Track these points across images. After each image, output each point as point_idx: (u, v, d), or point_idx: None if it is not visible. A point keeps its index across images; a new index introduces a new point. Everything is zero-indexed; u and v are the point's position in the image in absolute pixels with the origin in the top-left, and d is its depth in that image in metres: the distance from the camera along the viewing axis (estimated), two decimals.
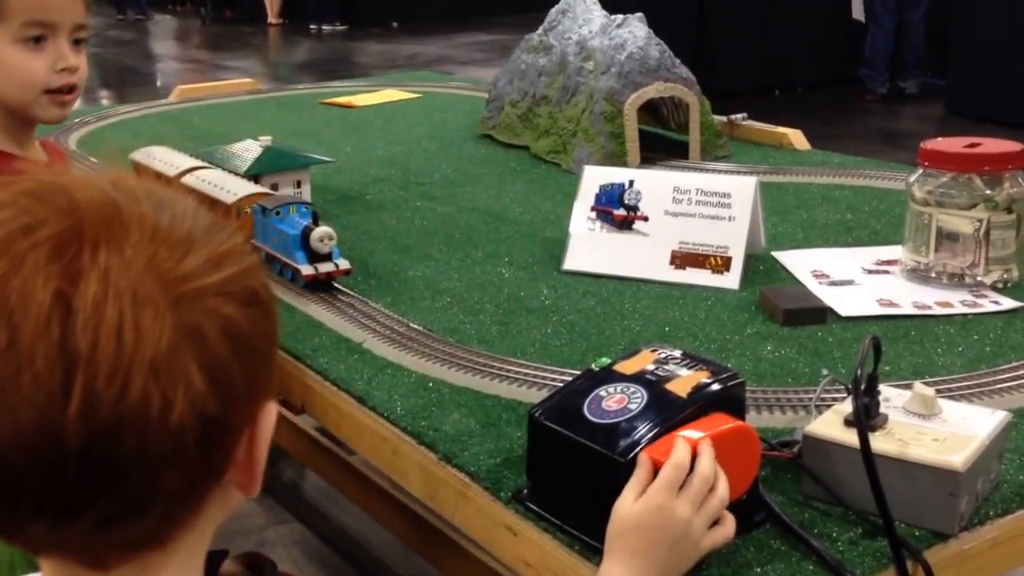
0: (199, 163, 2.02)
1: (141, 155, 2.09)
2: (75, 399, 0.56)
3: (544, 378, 1.36)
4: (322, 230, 1.65)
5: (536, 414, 1.08)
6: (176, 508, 0.63)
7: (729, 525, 0.97)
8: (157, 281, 0.59)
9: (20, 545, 0.63)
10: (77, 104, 1.56)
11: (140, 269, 0.59)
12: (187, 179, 1.92)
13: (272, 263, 1.72)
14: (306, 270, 1.66)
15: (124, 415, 0.57)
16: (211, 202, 1.81)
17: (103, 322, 0.57)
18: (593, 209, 1.82)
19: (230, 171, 2.03)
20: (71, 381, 0.56)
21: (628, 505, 0.95)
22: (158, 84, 9.44)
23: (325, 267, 1.67)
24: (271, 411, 0.69)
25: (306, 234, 1.66)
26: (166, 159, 2.04)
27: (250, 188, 1.87)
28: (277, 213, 1.71)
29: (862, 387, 1.03)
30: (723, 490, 0.96)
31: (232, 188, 1.86)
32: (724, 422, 1.01)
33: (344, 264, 1.69)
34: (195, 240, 0.63)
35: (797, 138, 2.50)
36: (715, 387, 1.04)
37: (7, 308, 0.57)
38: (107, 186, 0.64)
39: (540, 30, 2.61)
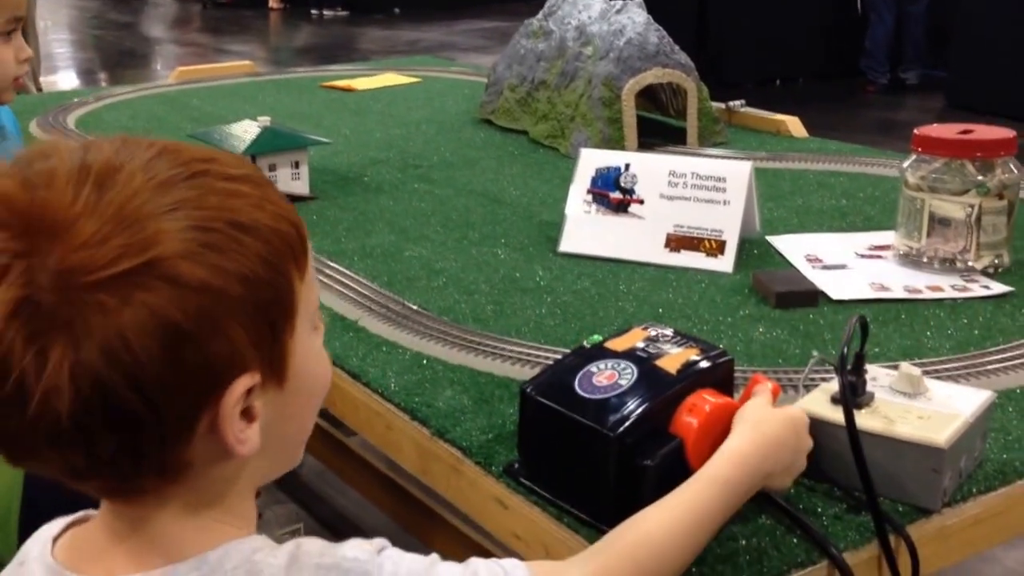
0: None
1: None
2: None
3: (537, 356, 1.37)
4: None
5: (527, 389, 1.10)
6: (135, 470, 0.69)
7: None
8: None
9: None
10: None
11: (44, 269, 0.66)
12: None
13: None
14: None
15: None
16: None
17: None
18: (589, 192, 1.83)
19: (228, 150, 2.04)
20: None
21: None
22: (157, 67, 9.43)
23: None
24: (235, 391, 0.70)
25: None
26: None
27: None
28: None
29: (848, 365, 1.05)
30: None
31: None
32: (712, 398, 1.02)
33: None
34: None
35: (795, 125, 2.51)
36: (704, 364, 1.06)
37: None
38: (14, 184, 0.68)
39: (540, 15, 2.62)
